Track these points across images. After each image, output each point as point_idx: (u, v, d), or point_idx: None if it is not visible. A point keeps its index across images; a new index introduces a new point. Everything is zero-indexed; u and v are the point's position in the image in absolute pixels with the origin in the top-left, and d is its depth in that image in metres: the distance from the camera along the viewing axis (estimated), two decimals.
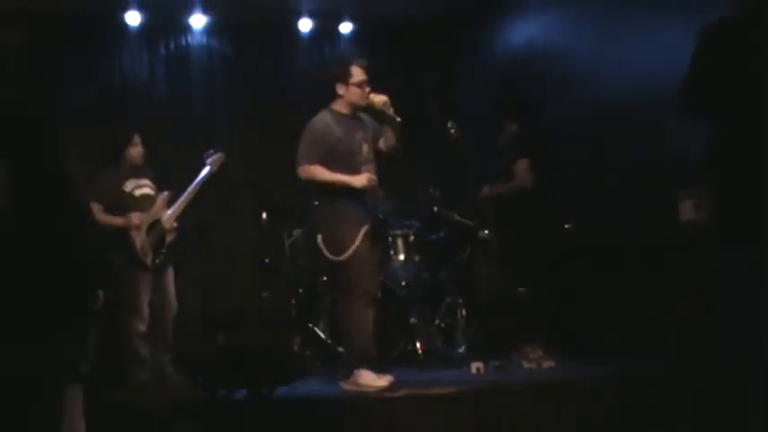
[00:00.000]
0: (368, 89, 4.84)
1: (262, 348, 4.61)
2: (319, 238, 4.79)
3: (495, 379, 4.98)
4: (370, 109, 4.94)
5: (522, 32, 6.92)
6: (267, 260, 6.34)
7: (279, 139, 7.51)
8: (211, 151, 5.61)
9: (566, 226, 5.80)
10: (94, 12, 6.85)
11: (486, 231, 6.03)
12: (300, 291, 6.42)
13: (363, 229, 4.70)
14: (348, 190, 4.72)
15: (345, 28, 7.88)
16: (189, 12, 7.34)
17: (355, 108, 4.91)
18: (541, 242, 5.47)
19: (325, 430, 4.16)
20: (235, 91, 7.58)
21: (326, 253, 4.72)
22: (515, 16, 7.02)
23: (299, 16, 7.66)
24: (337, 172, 4.74)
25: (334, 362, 5.88)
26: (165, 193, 5.50)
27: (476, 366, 5.24)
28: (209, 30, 7.50)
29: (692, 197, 4.82)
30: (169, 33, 7.45)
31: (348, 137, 4.81)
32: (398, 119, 4.88)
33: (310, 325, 6.15)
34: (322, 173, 4.74)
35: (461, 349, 5.90)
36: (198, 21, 7.42)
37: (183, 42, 7.49)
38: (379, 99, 4.84)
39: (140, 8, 7.06)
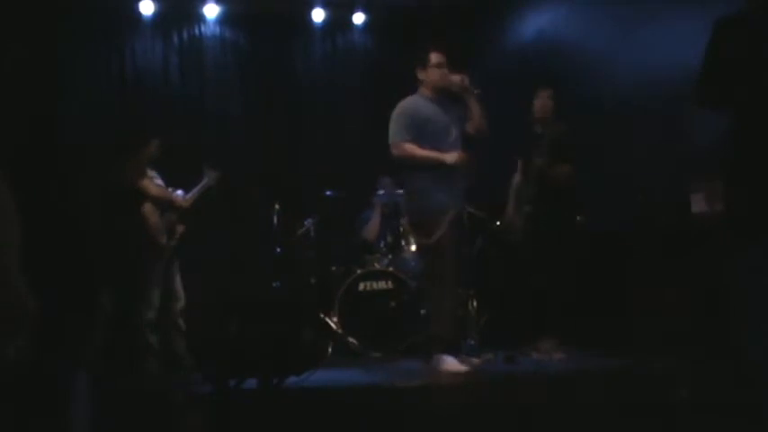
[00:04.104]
0: (445, 70, 4.90)
1: (273, 338, 4.63)
2: (405, 221, 4.80)
3: (506, 370, 4.98)
4: (452, 89, 4.95)
5: (537, 23, 6.87)
6: (279, 250, 6.36)
7: (291, 130, 7.56)
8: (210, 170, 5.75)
9: (577, 218, 5.77)
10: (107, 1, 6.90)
11: (499, 222, 6.00)
12: (312, 281, 6.44)
13: (449, 216, 4.74)
14: (438, 172, 4.76)
15: (358, 18, 7.87)
16: (202, 1, 7.36)
17: (437, 90, 4.94)
18: (557, 235, 5.44)
19: (335, 420, 4.17)
20: (247, 81, 7.59)
21: (414, 237, 4.75)
22: (530, 6, 6.98)
23: (311, 6, 7.66)
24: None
25: (344, 352, 5.92)
26: (179, 191, 5.66)
27: (487, 357, 5.24)
28: (221, 20, 7.51)
29: (704, 190, 4.79)
30: (182, 23, 7.46)
31: (436, 118, 4.89)
32: (477, 90, 4.90)
33: (322, 315, 6.17)
34: (415, 150, 4.81)
35: (472, 340, 5.90)
36: (211, 11, 7.43)
37: (196, 32, 7.51)
38: (455, 77, 4.89)
39: None
